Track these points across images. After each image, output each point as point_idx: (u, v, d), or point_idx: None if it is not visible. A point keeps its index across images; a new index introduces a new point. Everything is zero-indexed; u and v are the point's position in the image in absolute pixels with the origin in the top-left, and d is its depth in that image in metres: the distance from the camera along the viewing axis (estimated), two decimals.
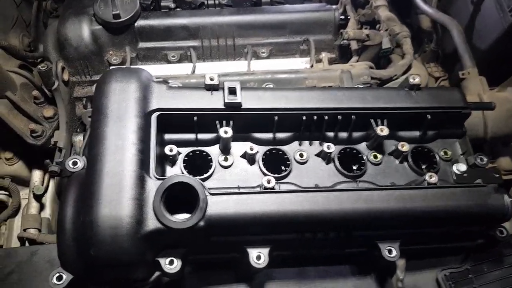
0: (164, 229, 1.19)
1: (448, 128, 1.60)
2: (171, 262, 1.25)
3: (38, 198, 2.06)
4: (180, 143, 1.46)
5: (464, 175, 1.55)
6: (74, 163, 1.39)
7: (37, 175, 2.10)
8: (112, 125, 1.29)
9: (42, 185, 2.09)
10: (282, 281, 1.47)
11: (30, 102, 1.95)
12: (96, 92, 1.38)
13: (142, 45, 1.91)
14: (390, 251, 1.38)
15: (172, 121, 1.41)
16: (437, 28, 2.38)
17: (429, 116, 1.52)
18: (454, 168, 1.56)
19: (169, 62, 1.93)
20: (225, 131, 1.39)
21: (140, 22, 1.88)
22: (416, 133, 1.59)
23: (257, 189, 1.37)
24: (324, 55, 1.97)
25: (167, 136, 1.45)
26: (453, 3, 2.37)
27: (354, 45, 2.05)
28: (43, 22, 2.34)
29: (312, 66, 1.94)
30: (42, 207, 2.09)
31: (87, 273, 1.23)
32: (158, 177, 1.27)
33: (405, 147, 1.52)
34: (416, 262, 1.54)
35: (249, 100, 1.43)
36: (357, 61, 2.06)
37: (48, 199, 2.11)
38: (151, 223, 1.20)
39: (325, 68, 1.91)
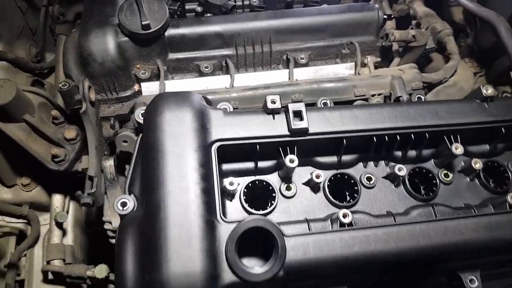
0: (241, 283, 1.05)
1: None
2: None
3: (60, 224, 1.91)
4: (238, 173, 1.31)
5: None
6: (123, 204, 1.21)
7: (57, 200, 1.95)
8: (171, 164, 1.13)
9: (63, 209, 1.93)
10: None
11: (49, 123, 1.77)
12: (147, 124, 1.21)
13: (172, 56, 1.72)
14: (471, 281, 1.27)
15: (231, 150, 1.26)
16: (475, 22, 2.23)
17: (504, 130, 1.39)
18: None
19: (201, 73, 1.74)
20: (291, 160, 1.24)
21: (170, 31, 1.68)
22: (485, 147, 1.48)
23: (328, 223, 1.25)
24: (369, 59, 1.81)
25: (225, 166, 1.30)
26: None
27: (396, 46, 1.91)
28: (50, 28, 2.15)
29: (358, 72, 1.78)
30: (64, 233, 1.95)
31: None
32: (226, 220, 1.12)
33: (478, 164, 1.40)
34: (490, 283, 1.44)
35: (316, 124, 1.28)
36: (399, 63, 1.92)
37: (69, 223, 1.98)
38: (227, 277, 1.05)
39: (373, 74, 1.76)
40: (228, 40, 1.73)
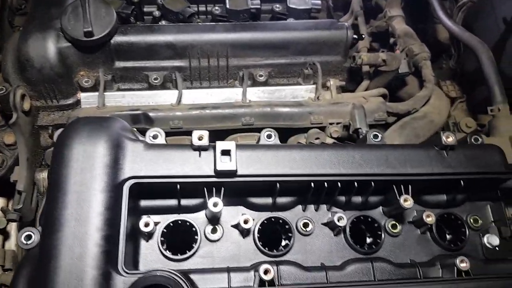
0: None
1: (481, 191, 1.35)
2: None
3: (1, 229, 1.81)
4: (158, 211, 1.20)
5: (496, 249, 1.32)
6: (28, 237, 1.11)
7: None
8: (71, 206, 1.02)
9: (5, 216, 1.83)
10: None
11: None
12: (54, 155, 1.10)
13: (119, 64, 1.58)
14: None
15: (150, 187, 1.14)
16: (459, 45, 2.08)
17: (463, 183, 1.26)
18: (485, 240, 1.34)
19: (150, 85, 1.61)
20: (215, 203, 1.12)
21: (118, 39, 1.54)
22: (443, 197, 1.35)
23: (251, 274, 1.13)
24: (332, 83, 1.66)
25: (143, 203, 1.18)
26: (480, 19, 2.03)
27: (365, 68, 1.75)
28: (8, 21, 2.01)
29: (318, 97, 1.63)
30: (6, 237, 1.83)
31: None
32: (128, 271, 1.01)
33: (430, 218, 1.26)
34: None
35: (246, 164, 1.15)
36: (368, 86, 1.77)
37: (13, 226, 1.84)
38: None
39: (333, 100, 1.61)
40: (181, 51, 1.60)
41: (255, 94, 1.63)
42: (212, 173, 1.13)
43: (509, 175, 1.29)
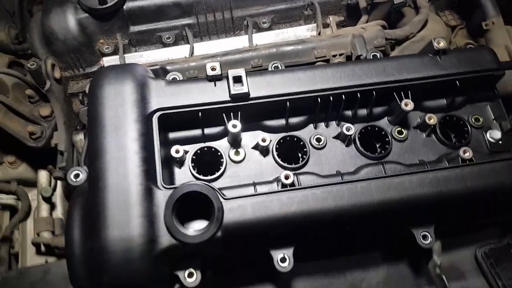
0: (179, 245, 1.10)
1: (478, 92, 1.45)
2: (190, 275, 1.17)
3: (48, 199, 1.97)
4: (186, 141, 1.34)
5: (500, 142, 1.42)
6: (76, 176, 1.27)
7: (43, 175, 2.00)
8: (110, 136, 1.17)
9: (50, 185, 2.01)
10: (309, 276, 1.38)
11: (25, 102, 1.84)
12: (89, 97, 1.25)
13: (133, 29, 1.74)
14: (425, 237, 1.27)
15: (176, 119, 1.28)
16: None
17: (458, 83, 1.36)
18: (488, 135, 1.44)
19: (164, 44, 1.77)
20: (234, 125, 1.26)
21: (129, 4, 1.69)
22: (443, 101, 1.45)
23: (274, 185, 1.26)
24: (331, 19, 1.77)
25: (172, 135, 1.33)
26: None
27: (362, 3, 1.85)
28: (27, 10, 2.18)
29: (319, 33, 1.75)
30: (53, 207, 2.01)
31: None
32: (166, 186, 1.16)
33: (432, 119, 1.38)
34: (452, 239, 1.44)
35: (257, 88, 1.29)
36: (367, 21, 1.87)
37: (58, 197, 2.03)
38: (165, 240, 1.10)
39: (334, 34, 1.72)
40: (187, 9, 1.74)
41: (261, 39, 1.76)
42: (228, 98, 1.27)
43: (501, 70, 1.38)
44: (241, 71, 1.28)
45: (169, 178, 1.28)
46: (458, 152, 1.30)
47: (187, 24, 1.76)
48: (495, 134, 1.41)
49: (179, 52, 1.74)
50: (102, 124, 1.19)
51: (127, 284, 1.09)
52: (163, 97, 1.26)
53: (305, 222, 1.18)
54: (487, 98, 1.48)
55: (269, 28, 1.80)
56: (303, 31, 1.80)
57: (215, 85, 1.29)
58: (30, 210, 2.01)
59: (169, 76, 1.38)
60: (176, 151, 1.28)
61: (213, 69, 1.28)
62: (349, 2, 1.84)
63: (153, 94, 1.26)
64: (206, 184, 1.15)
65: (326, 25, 1.80)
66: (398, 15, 1.98)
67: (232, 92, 1.26)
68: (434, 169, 1.26)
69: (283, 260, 1.21)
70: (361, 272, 1.40)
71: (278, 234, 1.21)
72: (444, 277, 1.30)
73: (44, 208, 1.97)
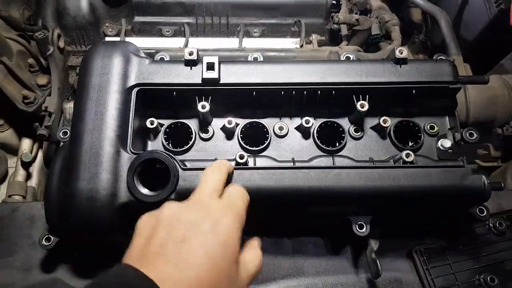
0: (136, 202, 1.29)
1: (437, 103, 1.56)
2: None
3: (26, 166, 2.07)
4: (162, 116, 1.52)
5: (449, 151, 1.53)
6: (65, 133, 1.50)
7: (26, 143, 2.10)
8: (92, 101, 1.36)
9: (31, 153, 2.09)
10: None
11: (25, 70, 1.99)
12: (81, 66, 1.45)
13: (138, 19, 2.00)
14: (360, 226, 1.42)
15: (154, 95, 1.46)
16: (427, 19, 2.37)
17: (414, 91, 1.48)
18: (439, 143, 1.54)
19: (162, 36, 1.99)
20: (203, 106, 1.43)
21: None
22: (401, 110, 1.57)
23: (233, 163, 1.42)
24: (314, 37, 2.08)
25: (151, 112, 1.51)
26: None
27: (344, 30, 2.14)
28: None
29: (301, 46, 1.99)
30: (29, 176, 2.09)
31: (69, 237, 1.37)
32: (134, 152, 1.35)
33: (387, 122, 1.50)
34: (391, 240, 1.57)
35: (227, 75, 1.45)
36: (347, 45, 2.07)
37: (35, 168, 2.11)
38: (124, 196, 1.29)
39: (314, 48, 1.95)
40: (189, 8, 1.99)
41: (250, 43, 2.00)
42: (200, 82, 1.44)
43: (458, 83, 1.49)
44: (214, 59, 1.44)
45: (142, 148, 1.47)
46: (401, 155, 1.43)
47: (186, 22, 2.00)
48: (445, 143, 1.52)
49: (176, 43, 1.96)
50: (87, 90, 1.38)
51: (89, 228, 1.29)
52: (144, 74, 1.44)
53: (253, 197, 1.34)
54: (446, 109, 1.58)
55: (259, 37, 2.02)
56: (288, 43, 2.11)
57: (191, 69, 1.46)
58: (7, 175, 2.10)
59: (158, 56, 1.56)
60: (151, 122, 1.47)
61: (190, 54, 1.45)
62: (332, 27, 2.12)
63: (135, 70, 1.44)
64: (167, 154, 1.32)
65: (309, 42, 2.10)
66: (376, 49, 2.18)
67: (204, 76, 1.42)
68: (373, 166, 1.39)
69: None
70: (306, 257, 1.55)
71: None
72: (378, 261, 1.42)
73: (21, 174, 2.05)
